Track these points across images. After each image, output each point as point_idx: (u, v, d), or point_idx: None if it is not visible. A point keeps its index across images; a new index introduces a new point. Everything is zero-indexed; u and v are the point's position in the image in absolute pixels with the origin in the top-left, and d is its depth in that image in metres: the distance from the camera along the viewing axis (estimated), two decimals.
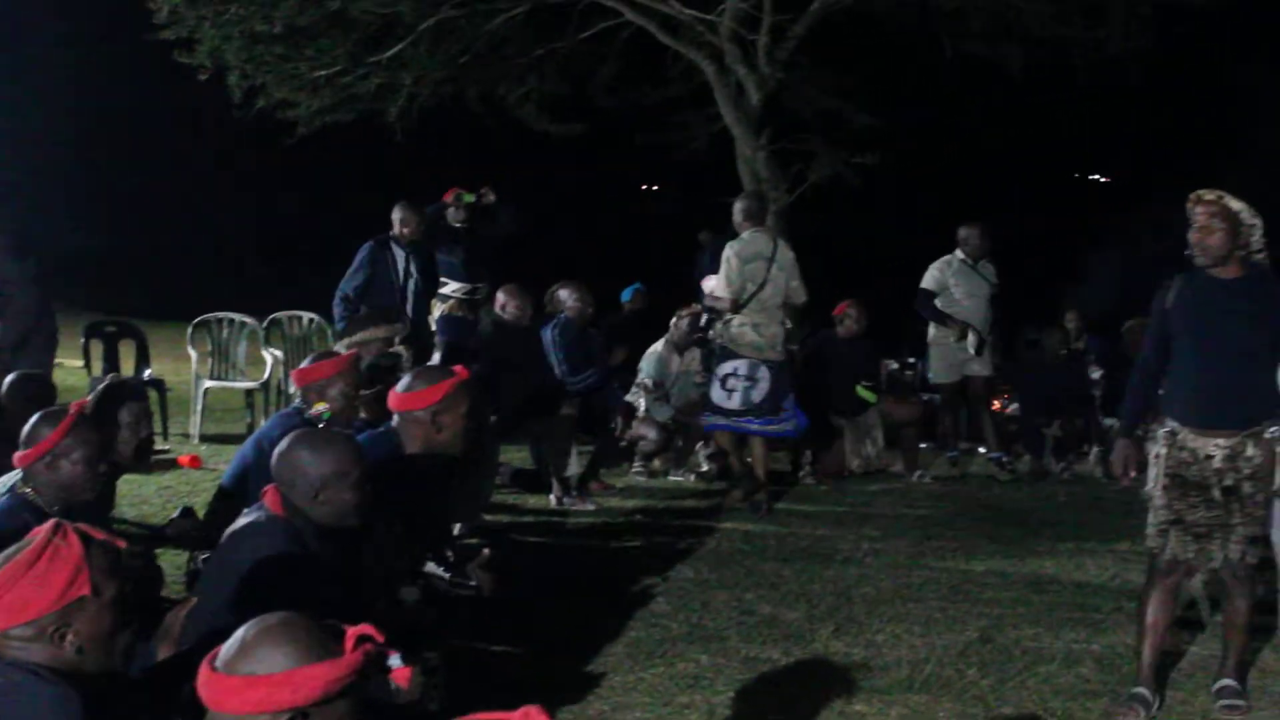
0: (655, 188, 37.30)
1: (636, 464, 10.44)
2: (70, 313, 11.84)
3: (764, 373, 9.12)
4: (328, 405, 5.92)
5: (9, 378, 6.24)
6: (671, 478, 10.34)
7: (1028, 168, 30.63)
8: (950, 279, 10.86)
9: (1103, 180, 38.33)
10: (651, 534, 8.43)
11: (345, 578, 4.15)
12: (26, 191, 19.91)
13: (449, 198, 10.84)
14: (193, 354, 11.81)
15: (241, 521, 4.19)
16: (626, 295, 12.66)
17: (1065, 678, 5.68)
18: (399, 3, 13.97)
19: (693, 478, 10.32)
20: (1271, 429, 5.19)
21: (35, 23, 20.82)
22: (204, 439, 11.12)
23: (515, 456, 9.77)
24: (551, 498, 9.07)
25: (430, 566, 5.16)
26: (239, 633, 2.58)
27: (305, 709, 2.50)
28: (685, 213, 18.11)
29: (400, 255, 10.15)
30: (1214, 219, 5.15)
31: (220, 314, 11.92)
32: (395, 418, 5.38)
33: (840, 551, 7.97)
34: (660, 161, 21.01)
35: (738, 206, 9.42)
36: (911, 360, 12.96)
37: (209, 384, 11.56)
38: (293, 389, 8.39)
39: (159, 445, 10.13)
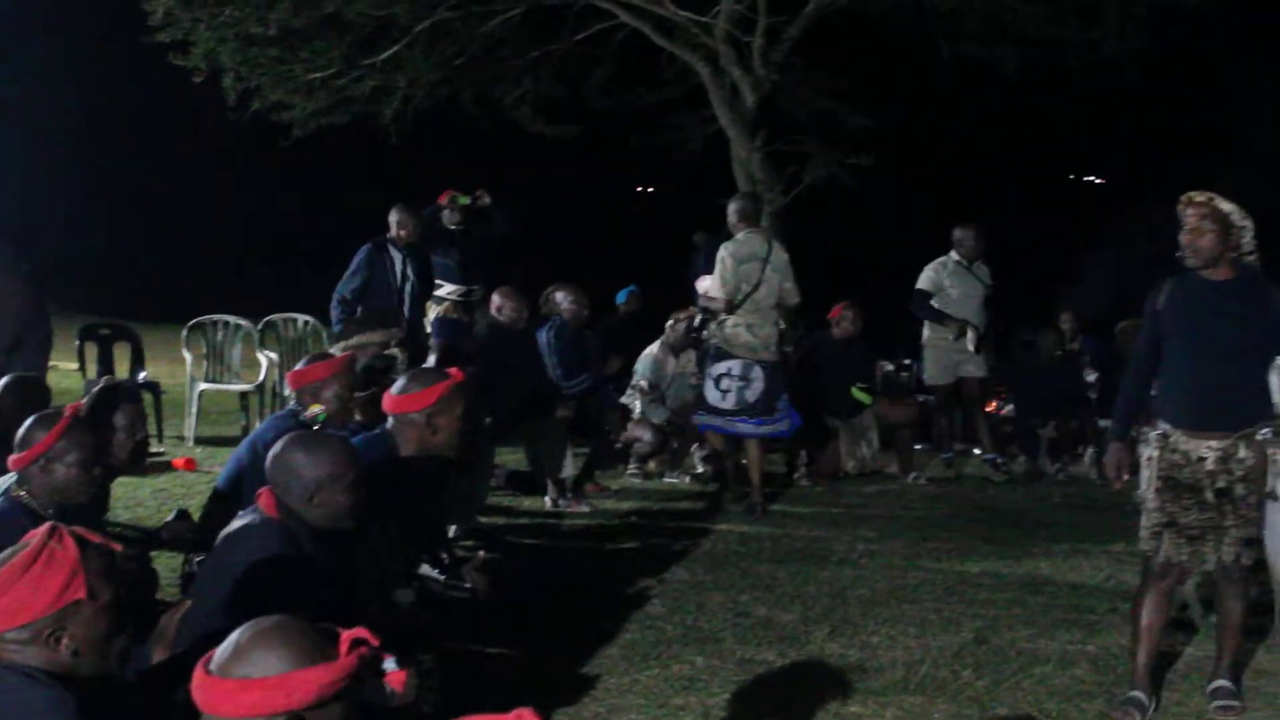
0: (650, 189, 37.27)
1: (632, 466, 10.45)
2: (65, 315, 11.83)
3: (758, 373, 9.15)
4: (323, 407, 5.92)
5: (3, 380, 6.23)
6: (667, 480, 10.34)
7: (1023, 169, 30.61)
8: (945, 280, 10.88)
9: (1097, 182, 38.34)
10: (646, 536, 8.43)
11: (340, 580, 4.15)
12: (21, 193, 19.90)
13: (444, 200, 10.86)
14: (188, 356, 11.80)
15: (236, 524, 4.18)
16: (622, 297, 12.66)
17: (1060, 679, 5.69)
18: (394, 5, 13.97)
19: (688, 479, 10.32)
20: (1263, 430, 5.20)
21: (32, 23, 20.78)
22: (199, 441, 11.11)
23: (510, 458, 9.77)
24: (546, 500, 9.07)
25: (425, 568, 5.16)
26: (233, 636, 2.59)
27: (299, 712, 2.50)
28: (681, 214, 18.10)
29: (398, 258, 10.15)
30: (1205, 221, 5.15)
31: (215, 316, 11.92)
32: (390, 420, 5.38)
33: (835, 553, 7.97)
34: (656, 163, 21.04)
35: (732, 207, 9.43)
36: (907, 362, 12.95)
37: (204, 386, 11.55)
38: (288, 391, 8.39)
39: (154, 448, 10.12)
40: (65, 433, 4.49)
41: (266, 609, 2.68)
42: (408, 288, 10.19)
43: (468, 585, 5.13)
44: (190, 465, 9.93)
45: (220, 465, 7.86)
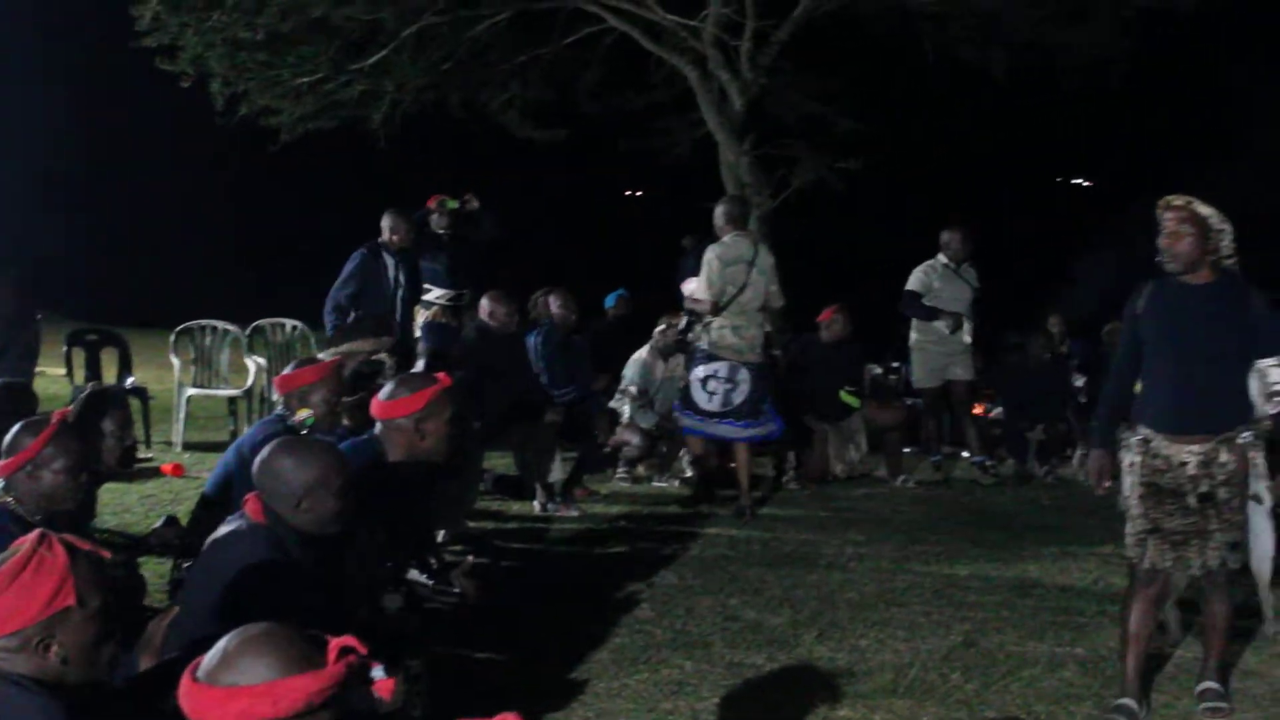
0: (639, 193, 37.31)
1: (620, 470, 10.45)
2: (52, 320, 11.81)
3: (744, 375, 9.17)
4: (311, 412, 5.92)
5: None
6: (655, 484, 10.35)
7: (1011, 172, 30.68)
8: (934, 283, 10.90)
9: (1086, 184, 38.41)
10: (635, 540, 8.44)
11: (327, 585, 4.14)
12: (7, 198, 19.87)
13: (432, 204, 10.84)
14: (175, 362, 11.78)
15: (223, 530, 4.18)
16: (610, 301, 12.65)
17: (1049, 682, 5.70)
18: (381, 10, 13.96)
19: (676, 484, 10.32)
20: (1244, 434, 5.20)
21: (19, 27, 20.74)
22: (187, 447, 11.10)
23: (499, 463, 9.77)
24: (535, 504, 9.07)
25: (413, 574, 5.15)
26: (221, 643, 2.58)
27: None
28: (669, 218, 18.11)
29: (390, 262, 10.14)
30: (1183, 224, 5.16)
31: (203, 321, 11.90)
32: (378, 425, 5.37)
33: (824, 556, 7.98)
34: (644, 167, 21.02)
35: (719, 210, 9.45)
36: (895, 365, 12.97)
37: (192, 392, 11.53)
38: (276, 396, 8.39)
39: (142, 453, 10.11)
40: (53, 439, 4.49)
41: (254, 615, 2.68)
42: (399, 293, 10.18)
43: (456, 590, 5.12)
44: (178, 471, 9.91)
45: (208, 471, 7.84)
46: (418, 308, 10.72)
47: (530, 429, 9.11)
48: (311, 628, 2.66)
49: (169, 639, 4.00)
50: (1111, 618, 6.12)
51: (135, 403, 10.59)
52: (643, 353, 10.75)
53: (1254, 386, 5.22)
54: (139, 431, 10.15)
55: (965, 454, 11.27)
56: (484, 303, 9.43)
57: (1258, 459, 5.21)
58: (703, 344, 9.29)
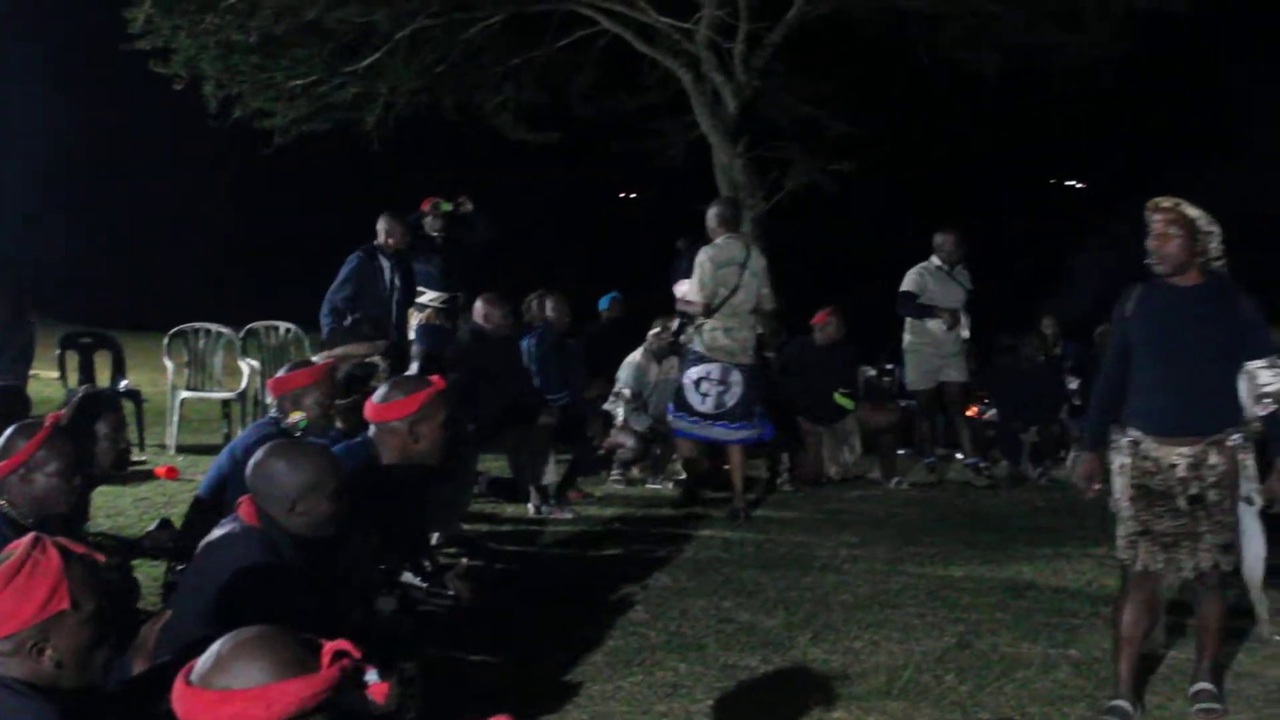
0: (633, 195, 37.31)
1: (614, 472, 10.45)
2: (46, 324, 11.80)
3: (736, 376, 9.19)
4: (304, 414, 5.92)
5: None
6: (649, 486, 10.36)
7: (1004, 174, 30.72)
8: (927, 284, 10.92)
9: (1079, 186, 38.45)
10: (629, 542, 8.43)
11: (321, 588, 4.14)
12: (5, 200, 19.84)
13: (426, 206, 10.85)
14: (169, 365, 11.77)
15: (216, 533, 4.17)
16: (604, 304, 12.66)
17: (1043, 683, 5.70)
18: (375, 12, 13.95)
19: (670, 486, 10.31)
20: (1234, 436, 5.21)
21: (12, 29, 20.71)
22: (180, 450, 11.09)
23: (494, 466, 9.76)
24: (529, 506, 9.06)
25: (407, 576, 5.15)
26: (214, 646, 2.58)
27: None
28: (663, 220, 18.12)
29: (386, 265, 10.14)
30: (1171, 226, 5.16)
31: (197, 324, 11.90)
32: (372, 428, 5.38)
33: (818, 558, 7.98)
34: (638, 169, 21.02)
35: (712, 212, 9.47)
36: (889, 367, 12.99)
37: (185, 395, 11.53)
38: (269, 399, 8.39)
39: (135, 456, 10.10)
40: (45, 442, 4.47)
41: (247, 618, 2.68)
42: (394, 296, 10.18)
43: (450, 593, 5.13)
44: (172, 474, 9.90)
45: (202, 474, 7.84)
46: (411, 310, 10.72)
47: (525, 431, 9.10)
48: (305, 631, 2.65)
49: (162, 642, 3.99)
50: (1105, 619, 6.11)
51: (129, 406, 10.62)
52: (637, 355, 10.75)
53: (1243, 388, 5.21)
54: (132, 434, 10.18)
55: (959, 456, 11.28)
56: (479, 306, 9.43)
57: (1247, 461, 5.22)
58: (695, 346, 9.31)
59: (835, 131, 15.64)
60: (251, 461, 4.26)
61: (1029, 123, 24.15)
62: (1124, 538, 5.30)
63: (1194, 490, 5.19)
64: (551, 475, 9.20)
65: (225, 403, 11.68)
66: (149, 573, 6.15)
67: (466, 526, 8.27)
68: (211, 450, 10.01)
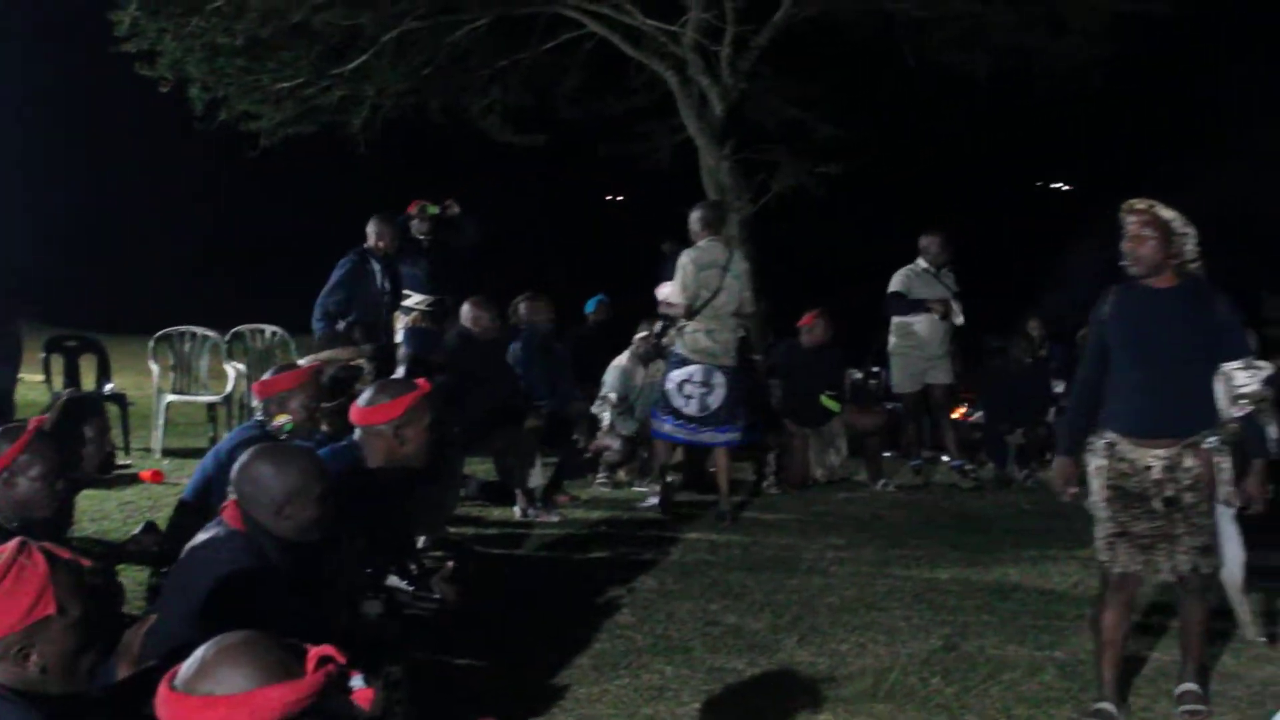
0: (620, 198, 37.30)
1: (601, 475, 10.45)
2: (31, 327, 11.76)
3: (719, 378, 9.22)
4: (289, 417, 5.91)
5: None
6: (636, 489, 10.34)
7: (990, 176, 30.76)
8: (913, 286, 10.94)
9: (1065, 189, 38.52)
10: (616, 545, 8.44)
11: (307, 592, 4.13)
12: None
13: (413, 209, 10.84)
14: (154, 368, 11.74)
15: (201, 537, 4.16)
16: (590, 307, 12.66)
17: (1029, 685, 5.71)
18: (361, 15, 13.92)
19: (657, 489, 10.29)
20: (1209, 439, 5.21)
21: (3, 33, 20.64)
22: (166, 453, 11.06)
23: (480, 469, 9.75)
24: (516, 509, 9.06)
25: (393, 579, 5.14)
26: (199, 652, 2.57)
27: None
28: (650, 223, 18.12)
29: (377, 268, 10.13)
30: (1145, 228, 5.17)
31: (182, 327, 11.87)
32: (357, 431, 5.37)
33: (804, 561, 7.99)
34: (624, 172, 20.99)
35: (695, 215, 9.50)
36: (875, 369, 13.00)
37: (171, 398, 11.49)
38: (255, 402, 8.37)
39: (120, 460, 10.07)
40: (28, 445, 4.46)
41: (232, 622, 2.67)
42: (385, 299, 10.18)
43: (436, 596, 5.12)
44: (157, 477, 9.88)
45: (188, 477, 7.82)
46: (398, 313, 10.71)
47: (511, 434, 9.10)
48: (290, 635, 2.65)
49: (147, 646, 3.97)
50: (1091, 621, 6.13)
51: (114, 409, 10.59)
52: (623, 359, 10.75)
53: (1219, 390, 5.21)
54: (117, 438, 10.13)
55: (945, 458, 11.29)
56: (466, 309, 9.43)
57: (1223, 464, 5.22)
58: (677, 348, 9.34)
59: (822, 134, 15.65)
60: (237, 465, 4.25)
61: (1015, 126, 24.19)
62: (1102, 539, 5.32)
63: (1169, 492, 5.20)
64: (538, 478, 9.21)
65: (211, 406, 11.65)
66: (134, 577, 6.12)
67: (452, 529, 8.27)
68: (197, 454, 9.98)
